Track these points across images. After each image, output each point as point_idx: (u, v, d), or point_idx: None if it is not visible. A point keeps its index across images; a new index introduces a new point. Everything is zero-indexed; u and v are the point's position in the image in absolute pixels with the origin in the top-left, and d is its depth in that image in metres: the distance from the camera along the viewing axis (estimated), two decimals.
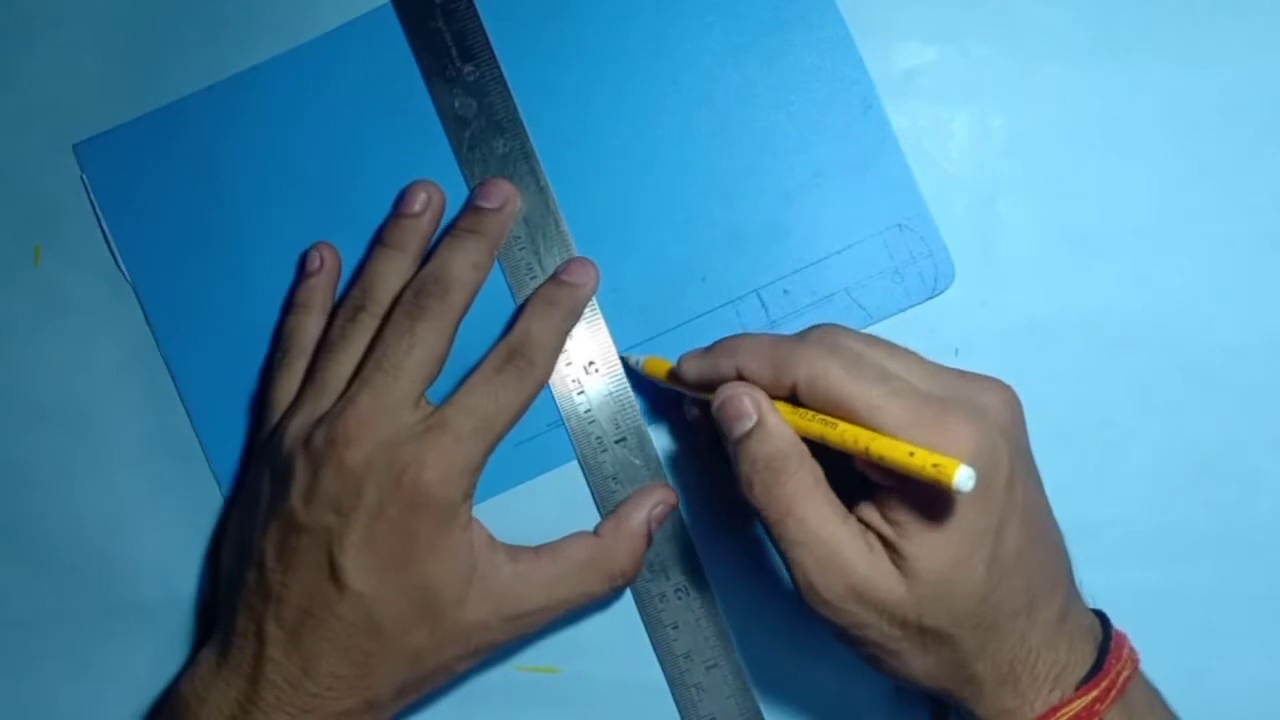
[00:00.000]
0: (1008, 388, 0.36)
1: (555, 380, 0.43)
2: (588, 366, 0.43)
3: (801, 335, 0.37)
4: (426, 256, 0.42)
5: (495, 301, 0.43)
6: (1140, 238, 0.42)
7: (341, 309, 0.41)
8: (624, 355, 0.42)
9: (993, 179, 0.42)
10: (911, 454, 0.32)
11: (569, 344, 0.42)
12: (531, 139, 0.43)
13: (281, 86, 0.43)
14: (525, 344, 0.40)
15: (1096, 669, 0.35)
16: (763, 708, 0.43)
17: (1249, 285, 0.42)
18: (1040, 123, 0.42)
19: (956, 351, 0.42)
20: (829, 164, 0.42)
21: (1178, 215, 0.42)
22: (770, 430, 0.36)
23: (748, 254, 0.42)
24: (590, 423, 0.43)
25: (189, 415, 0.44)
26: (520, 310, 0.42)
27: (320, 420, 0.39)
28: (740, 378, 0.37)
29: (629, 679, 0.43)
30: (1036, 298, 0.42)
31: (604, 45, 0.43)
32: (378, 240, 0.42)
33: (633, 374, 0.43)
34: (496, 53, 0.43)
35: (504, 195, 0.42)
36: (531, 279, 0.43)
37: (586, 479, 0.43)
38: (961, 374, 0.36)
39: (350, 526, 0.38)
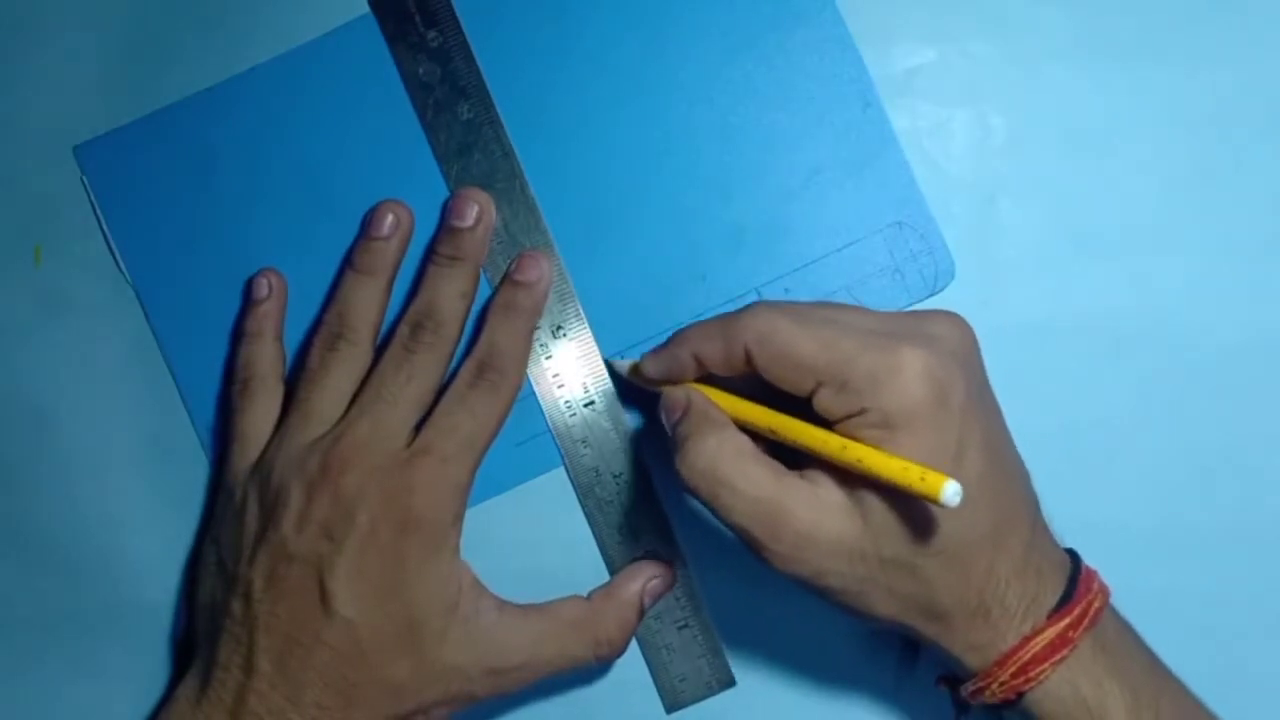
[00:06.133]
0: (959, 318, 0.36)
1: None
2: (555, 331, 0.43)
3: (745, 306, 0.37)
4: (409, 281, 0.42)
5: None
6: (1140, 238, 0.42)
7: (318, 337, 0.41)
8: (609, 359, 0.42)
9: (993, 179, 0.42)
10: (903, 467, 0.32)
11: None
12: (497, 105, 0.43)
13: (278, 88, 0.43)
14: (492, 355, 0.41)
15: (1067, 598, 0.35)
16: (733, 666, 0.43)
17: (1249, 285, 0.42)
18: (1040, 123, 0.42)
19: None
20: (829, 162, 0.42)
21: (1178, 215, 0.42)
22: (693, 410, 0.36)
23: (748, 252, 0.42)
24: (559, 387, 0.43)
25: (189, 415, 0.44)
26: (481, 318, 0.42)
27: (313, 447, 0.39)
28: (699, 365, 0.37)
29: (627, 674, 0.43)
30: (1036, 298, 0.42)
31: (597, 48, 0.43)
32: (348, 264, 0.42)
33: (618, 379, 0.42)
34: (461, 19, 0.43)
35: (477, 210, 0.42)
36: (498, 242, 0.43)
37: (555, 444, 0.43)
38: (912, 312, 0.36)
39: (341, 553, 0.38)
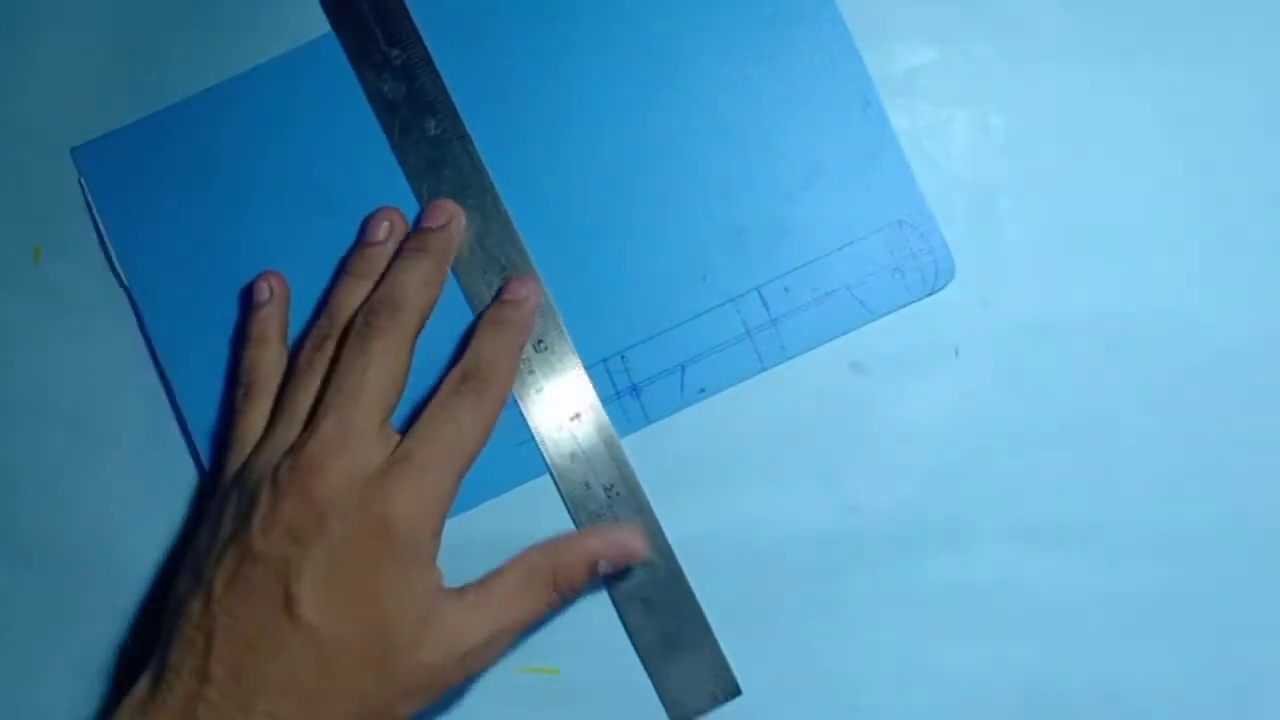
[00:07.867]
0: None
1: None
2: (537, 345, 0.42)
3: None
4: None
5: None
6: (1140, 238, 0.42)
7: (308, 339, 0.41)
8: None
9: (993, 179, 0.42)
10: None
11: None
12: (465, 119, 0.43)
13: (277, 89, 0.43)
14: (478, 364, 0.40)
15: None
16: (738, 676, 0.43)
17: (1249, 285, 0.42)
18: (1040, 123, 0.42)
19: (957, 351, 0.42)
20: (829, 161, 0.42)
21: (1178, 215, 0.42)
22: None
23: (748, 252, 0.42)
24: (544, 401, 0.43)
25: (185, 417, 0.43)
26: (469, 333, 0.42)
27: (288, 449, 0.39)
28: None
29: (629, 680, 0.43)
30: (1036, 298, 0.42)
31: (593, 46, 0.43)
32: (342, 269, 0.42)
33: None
34: (424, 35, 0.43)
35: (448, 214, 0.42)
36: (473, 256, 0.43)
37: (543, 459, 0.43)
38: None
39: (309, 557, 0.37)
